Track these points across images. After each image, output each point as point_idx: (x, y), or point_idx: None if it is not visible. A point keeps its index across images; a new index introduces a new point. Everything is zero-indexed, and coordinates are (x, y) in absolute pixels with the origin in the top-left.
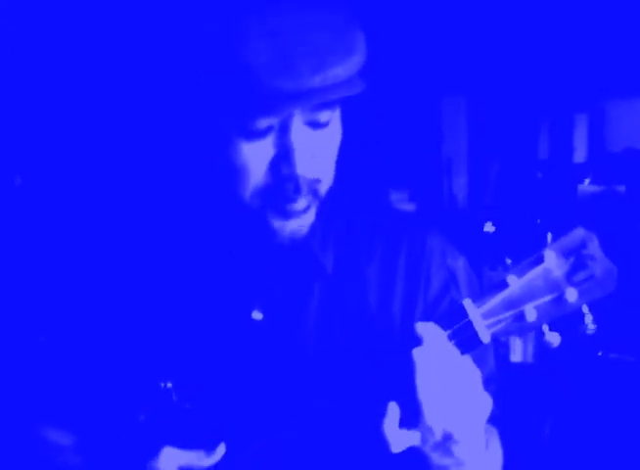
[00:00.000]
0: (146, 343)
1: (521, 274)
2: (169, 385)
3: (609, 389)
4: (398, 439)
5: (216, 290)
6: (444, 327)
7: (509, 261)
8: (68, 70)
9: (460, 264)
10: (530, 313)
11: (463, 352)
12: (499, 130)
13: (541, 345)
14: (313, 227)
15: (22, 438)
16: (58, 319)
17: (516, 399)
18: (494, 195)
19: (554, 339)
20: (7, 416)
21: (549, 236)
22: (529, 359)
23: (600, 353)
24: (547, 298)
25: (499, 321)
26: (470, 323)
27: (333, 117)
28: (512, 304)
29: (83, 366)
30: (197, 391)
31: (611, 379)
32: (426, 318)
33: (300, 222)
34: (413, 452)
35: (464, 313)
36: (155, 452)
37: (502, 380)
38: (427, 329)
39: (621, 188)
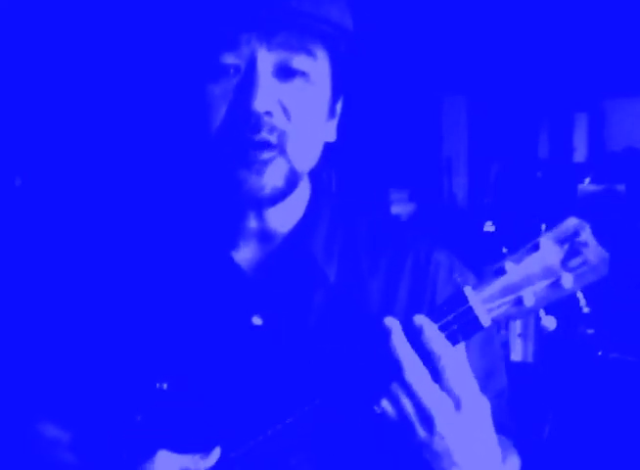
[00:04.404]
0: (145, 344)
1: (518, 261)
2: (165, 386)
3: (609, 389)
4: None
5: (218, 292)
6: (445, 313)
7: (505, 250)
8: (64, 69)
9: (468, 281)
10: (529, 298)
11: (465, 338)
12: (499, 130)
13: (541, 344)
14: (317, 235)
15: (19, 433)
16: (57, 318)
17: (516, 398)
18: (494, 195)
19: (550, 323)
20: (4, 413)
21: (543, 226)
22: (529, 359)
23: (600, 353)
24: (544, 283)
25: (499, 306)
26: (470, 309)
27: (314, 70)
28: (510, 289)
29: (82, 366)
30: (194, 392)
31: (611, 379)
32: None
33: (263, 179)
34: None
35: (465, 300)
36: (150, 453)
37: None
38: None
39: (622, 187)
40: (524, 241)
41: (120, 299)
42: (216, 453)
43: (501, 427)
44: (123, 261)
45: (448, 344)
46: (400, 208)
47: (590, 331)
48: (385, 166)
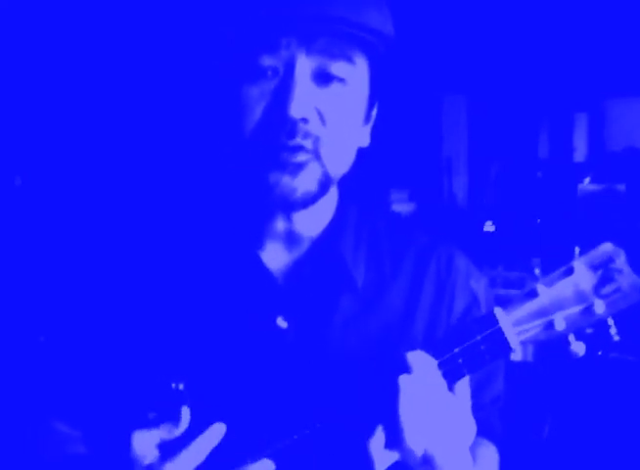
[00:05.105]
0: (166, 343)
1: (550, 284)
2: (181, 386)
3: (609, 389)
4: (381, 458)
5: (244, 293)
6: (474, 333)
7: (537, 271)
8: (65, 69)
9: (482, 286)
10: (559, 323)
11: (492, 359)
12: (499, 130)
13: (541, 344)
14: (346, 240)
15: (32, 429)
16: (64, 318)
17: (516, 398)
18: (494, 195)
19: (579, 349)
20: (19, 409)
21: (577, 250)
22: (529, 359)
23: (600, 353)
24: (576, 308)
25: (528, 329)
26: (500, 330)
27: (352, 76)
28: (541, 312)
29: (96, 364)
30: (212, 392)
31: (611, 379)
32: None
33: (295, 182)
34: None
35: (494, 321)
36: (162, 453)
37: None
38: (417, 358)
39: (621, 187)
40: (523, 242)
41: (133, 297)
42: (186, 415)
43: (492, 433)
44: (132, 260)
45: (437, 384)
46: (401, 207)
47: (590, 331)
48: (385, 166)
